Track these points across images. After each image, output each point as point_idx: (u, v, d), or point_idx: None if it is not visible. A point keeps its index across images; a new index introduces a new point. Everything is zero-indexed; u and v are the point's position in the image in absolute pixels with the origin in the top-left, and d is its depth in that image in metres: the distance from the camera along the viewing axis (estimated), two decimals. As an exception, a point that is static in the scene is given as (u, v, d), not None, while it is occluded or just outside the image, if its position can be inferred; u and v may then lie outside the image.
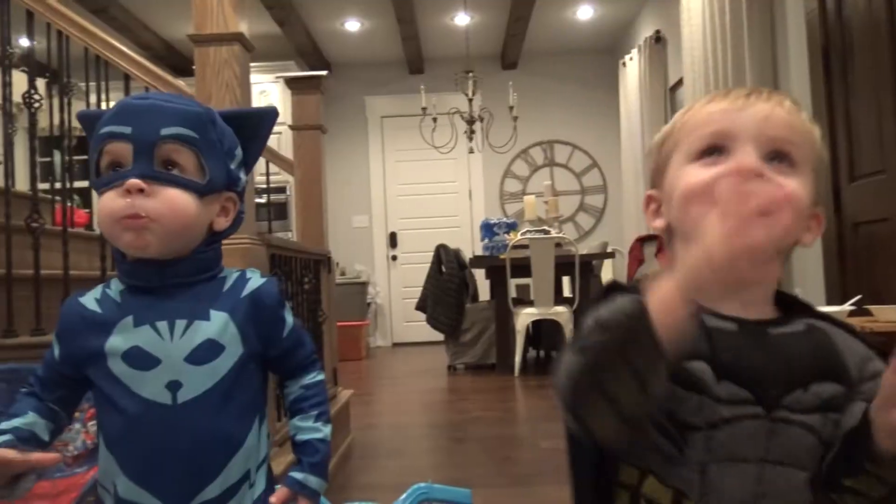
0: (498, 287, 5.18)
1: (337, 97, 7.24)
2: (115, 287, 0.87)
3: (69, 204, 2.42)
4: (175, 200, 0.81)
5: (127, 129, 0.80)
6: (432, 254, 5.62)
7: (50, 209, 2.73)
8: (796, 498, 0.72)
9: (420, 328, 6.85)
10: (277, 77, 6.36)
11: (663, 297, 0.62)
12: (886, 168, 3.01)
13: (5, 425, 0.83)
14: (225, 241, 0.94)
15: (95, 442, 1.96)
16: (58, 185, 2.42)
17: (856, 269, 3.22)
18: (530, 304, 5.02)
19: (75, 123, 3.39)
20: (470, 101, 5.77)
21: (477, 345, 5.38)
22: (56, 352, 0.87)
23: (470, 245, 7.10)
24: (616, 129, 6.85)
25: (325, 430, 0.91)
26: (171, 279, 0.84)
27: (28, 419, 0.84)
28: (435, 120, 5.79)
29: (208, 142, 0.84)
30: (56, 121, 2.38)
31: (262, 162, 3.34)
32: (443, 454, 3.03)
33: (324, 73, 3.09)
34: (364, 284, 7.15)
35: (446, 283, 5.40)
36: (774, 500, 0.71)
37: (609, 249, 5.75)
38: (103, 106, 2.47)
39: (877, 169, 3.08)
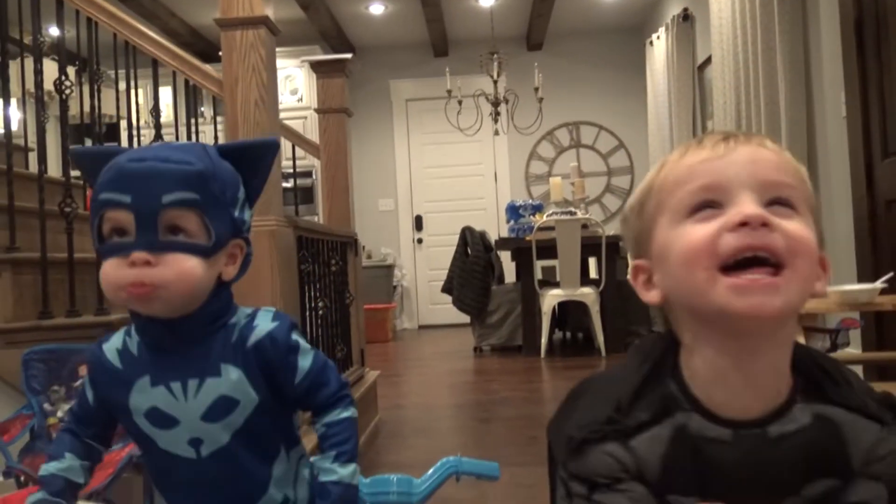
0: (524, 269, 5.18)
1: (362, 81, 7.25)
2: (135, 337, 0.88)
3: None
4: (182, 267, 0.79)
5: (126, 198, 0.78)
6: (458, 236, 5.63)
7: (82, 194, 2.78)
8: None
9: (446, 311, 6.88)
10: (302, 61, 6.39)
11: None
12: (921, 144, 2.95)
13: (42, 471, 0.87)
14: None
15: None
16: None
17: (889, 247, 3.16)
18: (556, 285, 5.02)
19: (105, 110, 3.40)
20: (495, 82, 5.74)
21: (503, 326, 5.39)
22: (90, 396, 0.90)
23: (495, 227, 7.09)
24: (643, 109, 6.77)
25: (342, 472, 0.88)
26: (181, 337, 0.84)
27: (64, 464, 0.87)
28: (460, 102, 5.77)
29: (211, 199, 0.81)
30: (86, 108, 2.42)
31: (287, 146, 3.37)
32: (469, 434, 3.05)
33: (349, 55, 3.10)
34: (390, 268, 7.19)
35: (472, 265, 5.40)
36: None
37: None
38: (132, 95, 2.51)
39: (911, 145, 3.01)
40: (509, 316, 5.38)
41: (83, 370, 1.97)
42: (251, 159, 0.89)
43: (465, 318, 5.69)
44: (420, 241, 7.57)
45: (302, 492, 0.91)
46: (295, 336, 0.88)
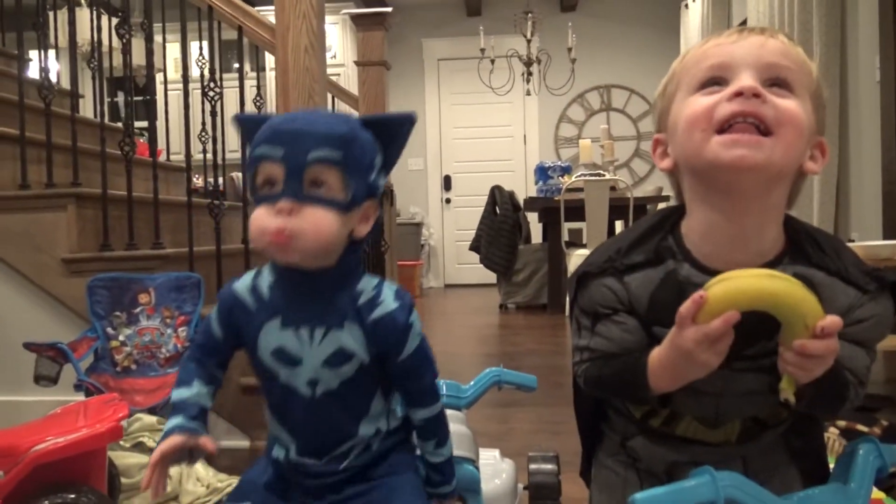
0: (551, 229, 5.25)
1: (395, 39, 7.26)
2: (266, 278, 0.97)
3: (138, 138, 2.58)
4: (319, 221, 0.88)
5: (279, 152, 0.88)
6: (486, 197, 5.71)
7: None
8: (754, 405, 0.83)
9: (472, 270, 6.99)
10: (343, 13, 6.41)
11: (660, 371, 0.75)
12: (953, 108, 2.96)
13: (175, 397, 0.95)
14: None
15: (186, 345, 2.16)
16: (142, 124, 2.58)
17: (916, 211, 3.20)
18: (583, 246, 5.09)
19: (135, 60, 3.44)
20: (528, 42, 5.76)
21: (529, 285, 5.49)
22: (217, 330, 0.99)
23: (523, 190, 7.15)
24: (675, 73, 6.73)
25: (444, 453, 1.00)
26: (316, 287, 0.94)
27: (194, 390, 0.96)
28: (492, 62, 5.80)
29: (352, 159, 0.90)
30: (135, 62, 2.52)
31: (328, 97, 3.46)
32: (497, 380, 3.17)
33: (388, 9, 3.17)
34: (418, 226, 7.30)
35: (500, 224, 5.49)
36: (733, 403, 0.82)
37: (664, 194, 5.74)
38: (184, 48, 2.61)
39: (943, 110, 3.03)
40: (535, 275, 5.48)
41: (143, 298, 2.12)
42: (389, 130, 0.97)
43: (491, 278, 5.80)
44: (448, 200, 7.66)
45: (393, 422, 1.01)
46: (412, 318, 0.96)
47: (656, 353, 0.76)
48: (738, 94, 0.73)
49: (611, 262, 0.82)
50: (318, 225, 0.89)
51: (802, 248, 0.78)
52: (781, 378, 0.71)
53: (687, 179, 0.80)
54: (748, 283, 0.68)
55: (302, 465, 0.97)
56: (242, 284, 0.99)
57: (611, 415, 0.95)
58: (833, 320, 0.67)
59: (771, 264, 0.77)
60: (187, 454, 0.94)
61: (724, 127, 0.73)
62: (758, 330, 0.72)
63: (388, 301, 0.95)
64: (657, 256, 0.80)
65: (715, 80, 0.76)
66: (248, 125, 0.97)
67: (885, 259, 2.17)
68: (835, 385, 0.75)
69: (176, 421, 0.94)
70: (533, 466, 1.37)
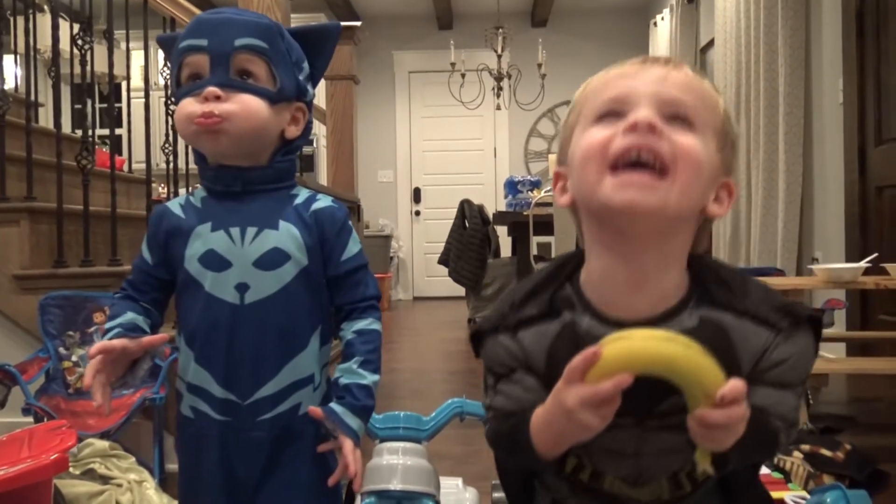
0: (520, 243, 5.25)
1: (365, 52, 7.25)
2: (199, 194, 0.95)
3: (101, 147, 2.52)
4: (248, 103, 0.87)
5: (203, 42, 0.87)
6: (455, 210, 5.69)
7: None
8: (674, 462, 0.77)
9: (440, 283, 6.95)
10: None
11: (543, 429, 0.70)
12: (913, 132, 3.02)
13: (109, 324, 0.91)
14: None
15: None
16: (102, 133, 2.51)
17: (877, 231, 3.25)
18: (552, 261, 5.09)
19: (99, 68, 3.38)
20: (499, 57, 5.77)
21: (497, 299, 5.47)
22: (148, 257, 0.95)
23: (493, 203, 7.14)
24: (644, 89, 6.80)
25: (369, 377, 0.92)
26: (251, 185, 0.91)
27: (128, 317, 0.92)
28: (463, 76, 5.80)
29: (278, 52, 0.89)
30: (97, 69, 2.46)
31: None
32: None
33: (357, 23, 3.15)
34: (387, 238, 7.26)
35: (469, 238, 5.48)
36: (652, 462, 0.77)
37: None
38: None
39: (904, 133, 3.09)
40: (504, 289, 5.46)
41: (97, 317, 2.05)
42: (315, 41, 0.97)
43: (460, 291, 5.77)
44: (418, 213, 7.63)
45: (324, 385, 0.95)
46: (350, 223, 0.95)
47: (540, 411, 0.71)
48: (634, 127, 0.68)
49: (503, 318, 0.76)
50: (248, 108, 0.87)
51: (708, 289, 0.73)
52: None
53: (584, 218, 0.76)
54: (645, 347, 0.63)
55: (223, 407, 0.89)
56: (174, 201, 0.97)
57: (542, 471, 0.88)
58: (733, 387, 0.61)
59: (676, 309, 0.72)
60: (130, 367, 0.89)
61: (617, 163, 0.68)
62: (667, 385, 0.65)
63: (326, 200, 0.95)
64: (552, 308, 0.75)
65: (613, 112, 0.72)
66: (171, 43, 0.94)
67: (848, 282, 2.19)
68: (761, 439, 0.70)
69: (114, 329, 0.90)
70: (496, 495, 1.34)
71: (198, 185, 0.97)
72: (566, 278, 0.77)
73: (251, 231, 0.90)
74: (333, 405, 0.91)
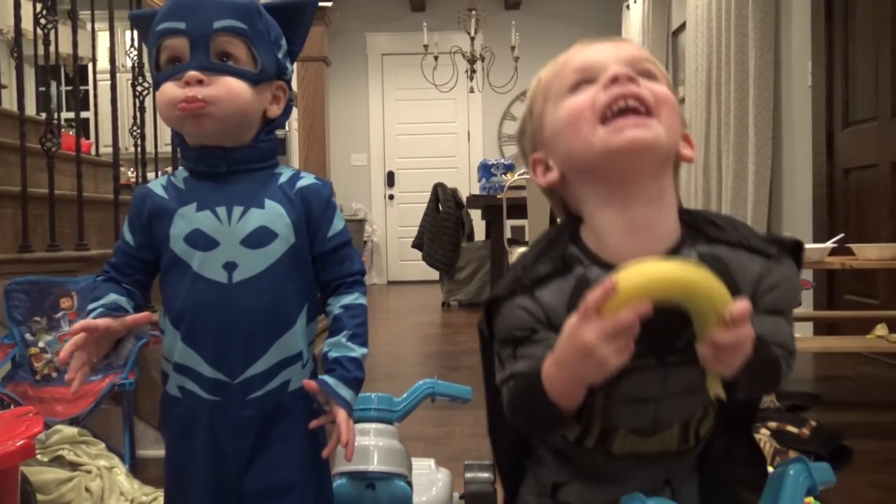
0: (494, 226, 5.26)
1: (338, 34, 7.17)
2: (180, 175, 0.94)
3: (67, 130, 2.47)
4: (231, 86, 0.86)
5: (182, 25, 0.85)
6: (429, 194, 5.68)
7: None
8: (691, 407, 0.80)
9: (415, 267, 6.95)
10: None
11: (554, 373, 0.69)
12: (879, 115, 3.07)
13: (92, 305, 0.90)
14: None
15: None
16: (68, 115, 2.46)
17: (844, 213, 3.31)
18: (525, 244, 5.11)
19: (63, 49, 3.33)
20: (472, 39, 5.75)
21: (471, 283, 5.49)
22: (130, 239, 0.93)
23: (467, 186, 7.14)
24: (617, 73, 6.82)
25: (359, 351, 0.92)
26: (234, 165, 0.90)
27: (111, 298, 0.90)
28: (436, 58, 5.77)
29: (258, 32, 0.89)
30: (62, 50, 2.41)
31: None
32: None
33: (328, 3, 3.11)
34: (361, 222, 7.22)
35: (443, 222, 5.48)
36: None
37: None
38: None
39: (870, 116, 3.14)
40: (478, 273, 5.48)
41: (64, 302, 2.02)
42: (292, 14, 0.97)
43: (434, 275, 5.78)
44: (391, 197, 7.60)
45: (311, 363, 0.95)
46: (334, 200, 0.96)
47: (549, 359, 0.70)
48: (614, 80, 0.73)
49: (517, 280, 0.77)
50: (231, 91, 0.86)
51: (699, 229, 0.77)
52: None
53: (578, 184, 0.78)
54: (661, 270, 0.64)
55: (213, 387, 0.89)
56: (156, 182, 0.95)
57: (541, 453, 0.89)
58: (742, 305, 0.63)
59: (674, 249, 0.75)
60: (114, 347, 0.88)
61: (606, 115, 0.73)
62: (680, 320, 0.66)
63: (310, 178, 0.96)
64: (564, 264, 0.77)
65: (585, 80, 0.76)
66: (144, 21, 0.92)
67: (816, 262, 2.22)
68: (766, 366, 0.72)
69: (96, 310, 0.89)
70: (469, 475, 1.35)
71: (168, 168, 0.96)
72: (569, 239, 0.79)
73: (237, 210, 0.89)
74: (325, 377, 0.92)
